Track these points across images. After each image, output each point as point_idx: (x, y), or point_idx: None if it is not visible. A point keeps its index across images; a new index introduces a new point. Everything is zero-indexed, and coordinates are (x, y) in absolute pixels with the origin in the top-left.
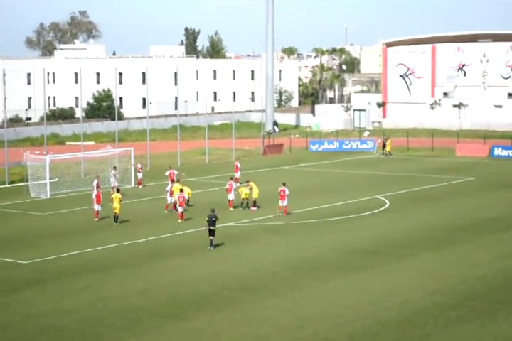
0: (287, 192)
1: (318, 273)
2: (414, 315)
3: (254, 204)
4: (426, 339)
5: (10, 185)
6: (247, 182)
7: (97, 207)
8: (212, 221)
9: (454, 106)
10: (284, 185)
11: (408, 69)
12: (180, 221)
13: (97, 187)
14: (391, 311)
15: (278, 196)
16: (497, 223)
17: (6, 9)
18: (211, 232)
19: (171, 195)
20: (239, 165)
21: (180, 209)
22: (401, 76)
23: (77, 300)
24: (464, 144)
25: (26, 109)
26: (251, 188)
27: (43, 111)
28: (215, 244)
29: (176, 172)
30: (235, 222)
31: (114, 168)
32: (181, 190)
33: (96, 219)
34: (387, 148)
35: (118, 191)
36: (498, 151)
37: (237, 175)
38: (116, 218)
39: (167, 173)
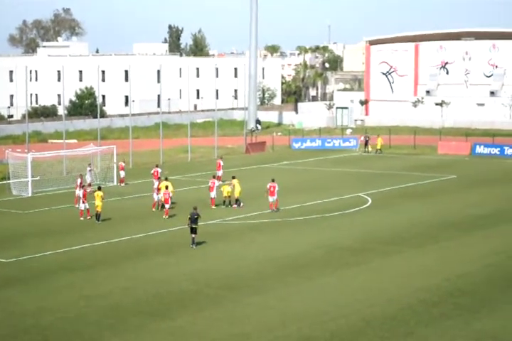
0: (277, 188)
1: (303, 271)
2: (399, 312)
3: (236, 202)
4: (410, 336)
5: None
6: (233, 178)
7: (82, 206)
8: (194, 219)
9: (437, 104)
10: (273, 181)
11: (391, 67)
12: (165, 217)
13: (81, 186)
14: (375, 308)
15: (267, 192)
16: (481, 220)
17: None
18: (193, 230)
19: (158, 192)
20: (222, 163)
21: (166, 206)
22: (384, 74)
23: (60, 299)
24: (446, 142)
25: (8, 107)
26: (233, 186)
27: (25, 109)
28: (198, 241)
29: (159, 170)
30: (217, 220)
31: (89, 164)
32: (166, 187)
33: (81, 218)
34: (378, 145)
35: (99, 189)
36: (479, 149)
37: (220, 173)
38: (98, 216)
39: (152, 171)
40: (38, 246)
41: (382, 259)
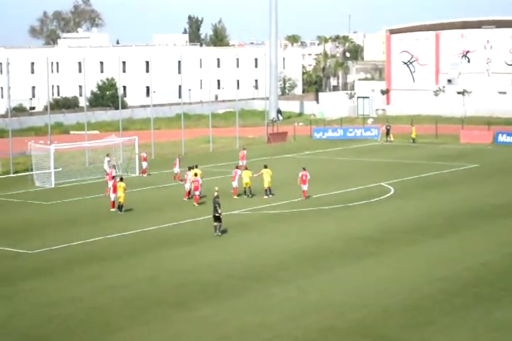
0: (308, 176)
1: (324, 261)
2: (420, 302)
3: (266, 191)
4: (431, 325)
5: (14, 175)
6: (265, 167)
7: (113, 197)
8: (214, 208)
9: (458, 93)
10: (304, 169)
11: (412, 57)
12: (195, 204)
13: (113, 177)
14: (396, 298)
15: (300, 181)
16: (502, 209)
17: None
18: (216, 219)
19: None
20: (245, 153)
21: (196, 193)
22: (405, 63)
23: (84, 289)
24: (468, 131)
25: (30, 99)
26: (262, 175)
27: (46, 101)
28: (223, 229)
29: (178, 159)
30: (239, 210)
31: (108, 154)
32: (196, 175)
33: (112, 209)
34: (413, 134)
35: (122, 180)
36: (502, 138)
37: (244, 162)
38: (120, 207)
39: (174, 161)
40: (61, 237)
41: (403, 249)
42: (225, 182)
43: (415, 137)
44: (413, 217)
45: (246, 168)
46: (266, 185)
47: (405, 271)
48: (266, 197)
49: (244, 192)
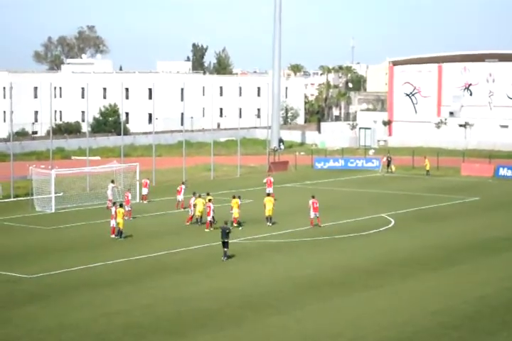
0: (318, 204)
1: (321, 292)
2: (416, 335)
3: (267, 219)
4: None
5: (15, 199)
6: (267, 195)
7: (112, 223)
8: (225, 233)
9: (460, 125)
10: (313, 197)
11: (414, 88)
12: (207, 230)
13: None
14: (393, 331)
15: (311, 208)
16: (502, 243)
17: (15, 23)
18: (225, 244)
19: (193, 207)
20: (272, 180)
21: (208, 218)
22: (407, 95)
23: (81, 315)
24: (469, 164)
25: (33, 123)
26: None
27: (49, 125)
28: (228, 255)
29: (183, 186)
30: (238, 239)
31: (112, 181)
32: (209, 200)
33: (112, 236)
34: (427, 167)
35: (121, 206)
36: (503, 171)
37: (270, 190)
38: (120, 233)
39: (178, 188)
40: (60, 262)
41: (400, 281)
42: (225, 210)
43: (429, 169)
44: (412, 250)
45: (268, 195)
46: (267, 213)
47: (402, 303)
48: (269, 224)
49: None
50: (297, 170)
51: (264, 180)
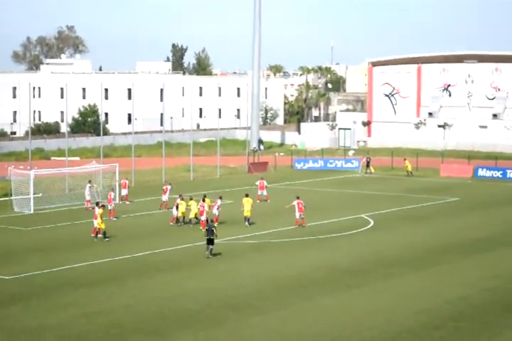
0: (303, 204)
1: (304, 292)
2: (398, 335)
3: (245, 219)
4: None
5: None
6: (246, 196)
7: (95, 222)
8: (210, 231)
9: (439, 126)
10: (298, 198)
11: (393, 89)
12: (203, 229)
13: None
14: (375, 330)
15: (296, 209)
16: (482, 243)
17: None
18: (209, 241)
19: (177, 208)
20: (265, 184)
21: (201, 218)
22: (386, 95)
23: (62, 316)
24: (448, 164)
25: (11, 123)
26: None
27: (28, 126)
28: (215, 253)
29: (169, 187)
30: (219, 240)
31: (89, 181)
32: (203, 200)
33: (93, 235)
34: (408, 168)
35: (103, 206)
36: (482, 172)
37: (263, 192)
38: (104, 233)
39: (164, 188)
40: (39, 262)
41: (382, 281)
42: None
43: (411, 170)
44: (392, 250)
45: (247, 196)
46: (245, 214)
47: (384, 303)
48: (247, 224)
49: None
50: (277, 171)
51: (257, 183)
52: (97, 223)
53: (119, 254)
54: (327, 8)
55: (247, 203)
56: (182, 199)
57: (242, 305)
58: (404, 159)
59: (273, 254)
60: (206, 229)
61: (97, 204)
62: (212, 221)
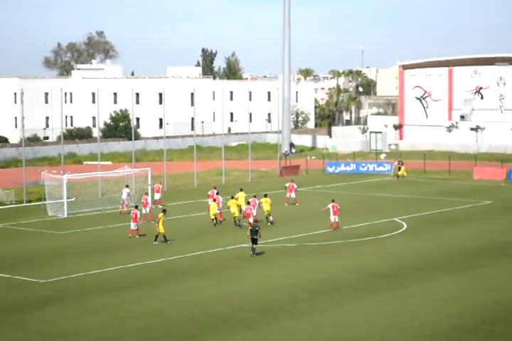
0: (339, 207)
1: (335, 296)
2: (432, 339)
3: (267, 218)
4: None
5: (28, 204)
6: (264, 196)
7: (133, 225)
8: (254, 231)
9: (471, 129)
10: (333, 201)
11: (425, 92)
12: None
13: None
14: (408, 334)
15: (330, 212)
16: None
17: (25, 29)
18: (253, 241)
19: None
20: (295, 186)
21: (250, 220)
22: (418, 98)
23: (95, 320)
24: (481, 167)
25: (44, 128)
26: (262, 204)
27: (60, 131)
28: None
29: (216, 191)
30: (249, 243)
31: (127, 186)
32: (248, 203)
33: (137, 237)
34: (401, 171)
35: (164, 211)
36: None
37: (293, 195)
38: (164, 237)
39: (210, 192)
40: (73, 266)
41: (415, 285)
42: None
43: (401, 174)
44: (425, 254)
45: (265, 196)
46: (265, 214)
47: (417, 307)
48: (269, 223)
49: (234, 222)
50: (308, 175)
51: (286, 184)
52: (157, 227)
53: (151, 258)
54: (357, 11)
55: (266, 203)
56: (232, 198)
57: (274, 309)
58: (400, 162)
59: (305, 257)
60: (251, 229)
61: (136, 207)
62: (257, 221)
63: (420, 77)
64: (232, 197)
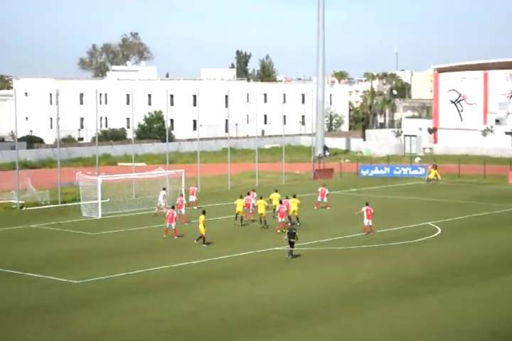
0: (372, 210)
1: (368, 300)
2: None
3: (296, 219)
4: None
5: (62, 205)
6: (293, 196)
7: (172, 225)
8: (292, 233)
9: (507, 133)
10: (367, 204)
11: (460, 96)
12: (279, 231)
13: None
14: (444, 339)
15: (365, 216)
16: None
17: (60, 30)
18: (291, 244)
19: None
20: (327, 191)
21: (280, 220)
22: (452, 102)
23: (125, 322)
24: None
25: (79, 129)
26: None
27: (95, 132)
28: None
29: (255, 194)
30: (282, 247)
31: (164, 188)
32: (281, 202)
33: (170, 236)
34: (432, 175)
35: (204, 213)
36: None
37: (325, 200)
38: (203, 239)
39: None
40: (106, 268)
41: (450, 290)
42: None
43: (434, 178)
44: (459, 258)
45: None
46: (292, 213)
47: (452, 312)
48: (298, 224)
49: (260, 221)
50: (342, 178)
51: (319, 189)
52: (200, 229)
53: (182, 260)
54: (391, 14)
55: (294, 204)
56: (260, 198)
57: (307, 313)
58: (434, 166)
59: (338, 261)
60: (288, 232)
61: (173, 207)
62: (293, 223)
63: (455, 80)
64: (261, 198)
